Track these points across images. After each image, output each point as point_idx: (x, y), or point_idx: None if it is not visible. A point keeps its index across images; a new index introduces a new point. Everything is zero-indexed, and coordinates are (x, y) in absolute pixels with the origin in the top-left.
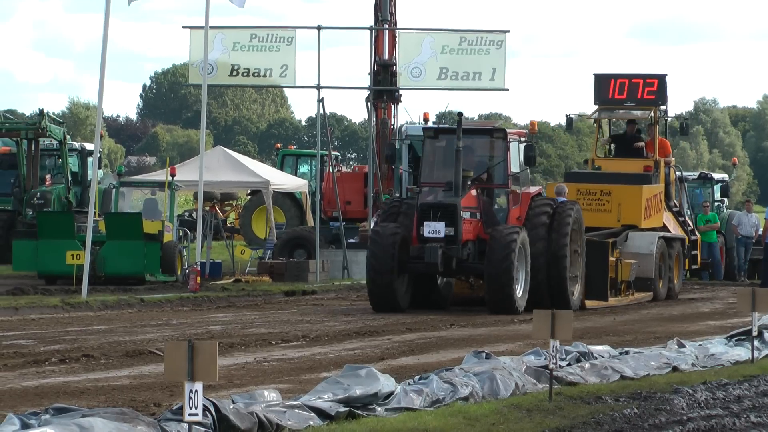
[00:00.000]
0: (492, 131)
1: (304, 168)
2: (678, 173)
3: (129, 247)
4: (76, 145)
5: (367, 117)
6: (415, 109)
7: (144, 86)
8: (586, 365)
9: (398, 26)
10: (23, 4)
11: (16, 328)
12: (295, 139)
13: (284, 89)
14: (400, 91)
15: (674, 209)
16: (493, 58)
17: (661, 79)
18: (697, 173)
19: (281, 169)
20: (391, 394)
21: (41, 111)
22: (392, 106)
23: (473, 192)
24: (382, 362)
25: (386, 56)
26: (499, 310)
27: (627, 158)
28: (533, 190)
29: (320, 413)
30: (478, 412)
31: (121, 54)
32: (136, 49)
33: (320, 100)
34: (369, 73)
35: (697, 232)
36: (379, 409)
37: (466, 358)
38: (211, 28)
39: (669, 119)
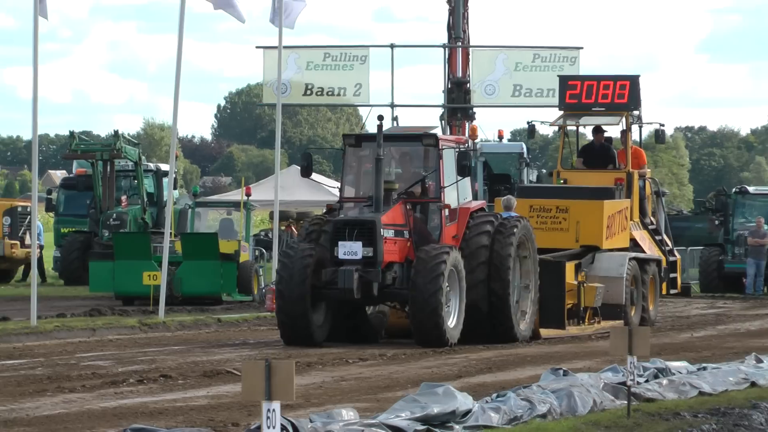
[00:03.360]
0: (421, 137)
1: None
2: (655, 187)
3: (205, 267)
4: (152, 165)
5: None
6: (489, 126)
7: (218, 106)
8: (664, 381)
9: (471, 44)
10: (98, 25)
11: (94, 349)
12: None
13: (358, 108)
14: (474, 109)
15: (650, 227)
16: (567, 75)
17: (633, 80)
18: None
19: None
20: (468, 411)
21: (116, 132)
22: (466, 124)
23: (400, 207)
24: (459, 380)
25: (460, 74)
26: (426, 342)
27: (595, 170)
28: (474, 204)
29: (398, 431)
30: (556, 429)
31: (195, 74)
32: (211, 69)
33: (394, 119)
34: (443, 91)
35: (676, 253)
36: (457, 427)
37: (543, 375)
38: (284, 47)
39: (642, 126)
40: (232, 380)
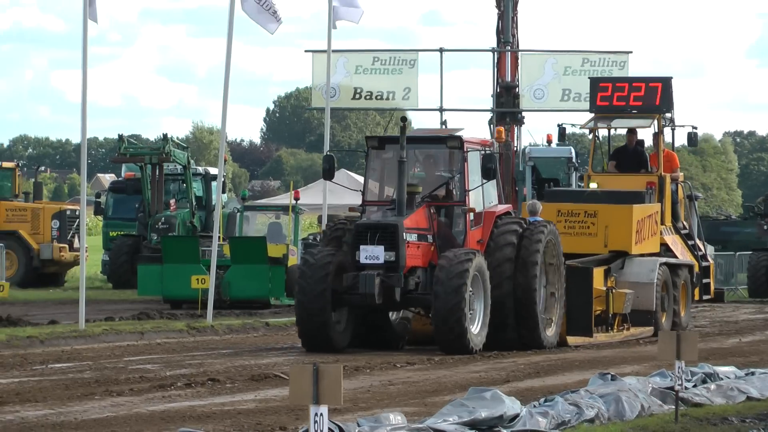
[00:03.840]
0: (446, 139)
1: None
2: (687, 191)
3: (254, 271)
4: (200, 169)
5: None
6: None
7: (267, 110)
8: (712, 386)
9: (520, 48)
10: (147, 29)
11: (142, 353)
12: None
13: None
14: (523, 113)
15: (683, 231)
16: None
17: (665, 82)
18: None
19: None
20: (516, 416)
21: (165, 136)
22: (515, 128)
23: (423, 211)
24: (507, 384)
25: (509, 78)
26: (449, 349)
27: (628, 174)
28: (501, 208)
29: None
30: None
31: (244, 78)
32: (260, 73)
33: (443, 123)
34: (492, 95)
35: (709, 258)
36: (505, 431)
37: (591, 380)
38: (333, 51)
39: (675, 128)
40: (280, 384)
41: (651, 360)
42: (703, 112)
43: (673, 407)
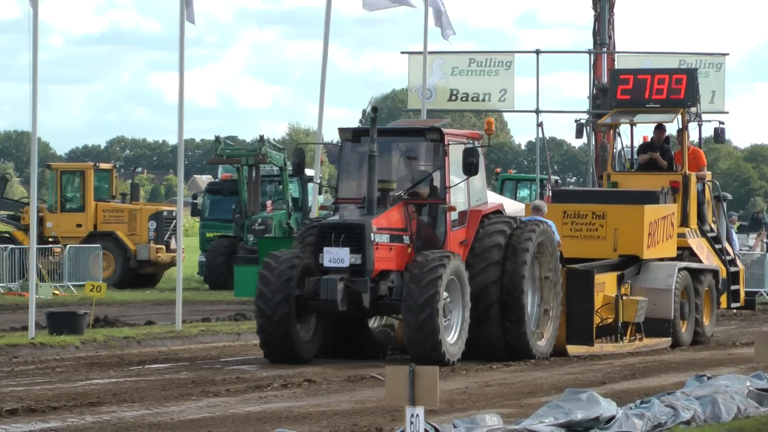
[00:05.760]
0: (425, 131)
1: (523, 192)
2: (715, 191)
3: None
4: None
5: (586, 141)
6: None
7: (363, 111)
8: None
9: (616, 50)
10: (244, 31)
11: (239, 354)
12: (515, 164)
13: (503, 113)
14: None
15: (709, 234)
16: (713, 81)
17: (691, 74)
18: None
19: (501, 193)
20: (612, 418)
21: (261, 137)
22: (611, 131)
23: (399, 210)
24: (603, 386)
25: (605, 80)
26: (421, 359)
27: (650, 172)
28: (489, 206)
29: None
30: None
31: (340, 80)
32: (356, 74)
33: (539, 125)
34: (588, 97)
35: (739, 263)
36: None
37: (687, 381)
38: (429, 53)
39: (702, 123)
40: (376, 385)
41: (747, 362)
42: None
43: None
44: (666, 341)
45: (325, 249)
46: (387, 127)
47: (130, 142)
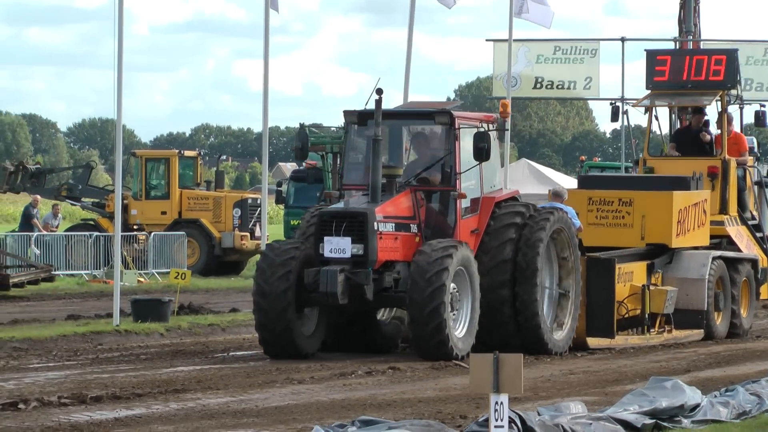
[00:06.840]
0: (434, 114)
1: None
2: (757, 177)
3: None
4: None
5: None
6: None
7: (448, 99)
8: None
9: (702, 37)
10: (330, 20)
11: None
12: (600, 151)
13: (588, 101)
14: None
15: (750, 222)
16: None
17: (730, 54)
18: None
19: None
20: (697, 406)
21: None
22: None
23: (406, 197)
24: (687, 374)
25: None
26: (427, 354)
27: (688, 157)
28: (504, 193)
29: (626, 425)
30: None
31: (425, 67)
32: (441, 62)
33: (624, 112)
34: None
35: None
36: (685, 421)
37: None
38: (514, 41)
39: (743, 107)
40: (461, 373)
41: None
42: None
43: None
44: (698, 333)
45: (326, 239)
46: (394, 110)
47: (214, 129)
